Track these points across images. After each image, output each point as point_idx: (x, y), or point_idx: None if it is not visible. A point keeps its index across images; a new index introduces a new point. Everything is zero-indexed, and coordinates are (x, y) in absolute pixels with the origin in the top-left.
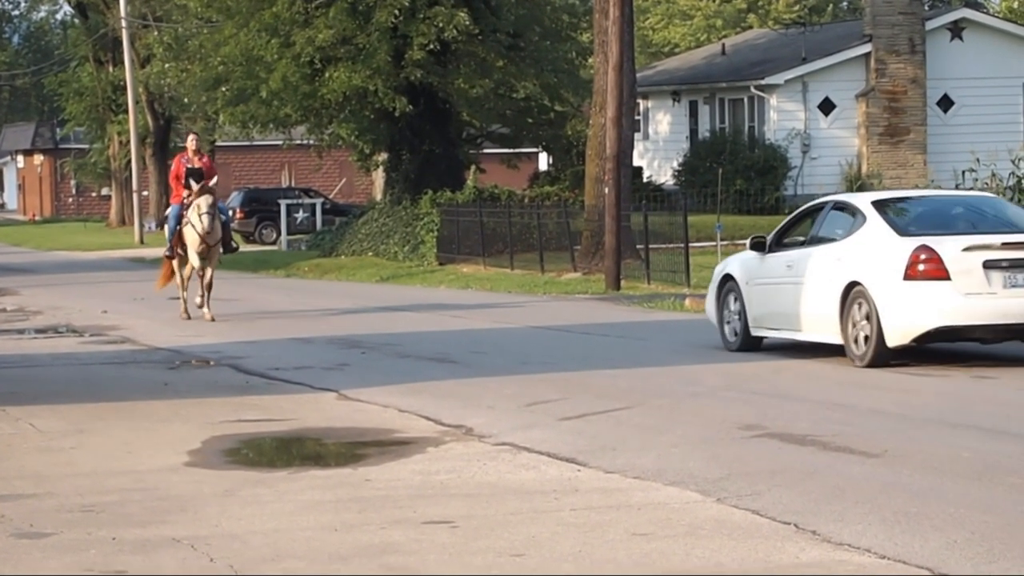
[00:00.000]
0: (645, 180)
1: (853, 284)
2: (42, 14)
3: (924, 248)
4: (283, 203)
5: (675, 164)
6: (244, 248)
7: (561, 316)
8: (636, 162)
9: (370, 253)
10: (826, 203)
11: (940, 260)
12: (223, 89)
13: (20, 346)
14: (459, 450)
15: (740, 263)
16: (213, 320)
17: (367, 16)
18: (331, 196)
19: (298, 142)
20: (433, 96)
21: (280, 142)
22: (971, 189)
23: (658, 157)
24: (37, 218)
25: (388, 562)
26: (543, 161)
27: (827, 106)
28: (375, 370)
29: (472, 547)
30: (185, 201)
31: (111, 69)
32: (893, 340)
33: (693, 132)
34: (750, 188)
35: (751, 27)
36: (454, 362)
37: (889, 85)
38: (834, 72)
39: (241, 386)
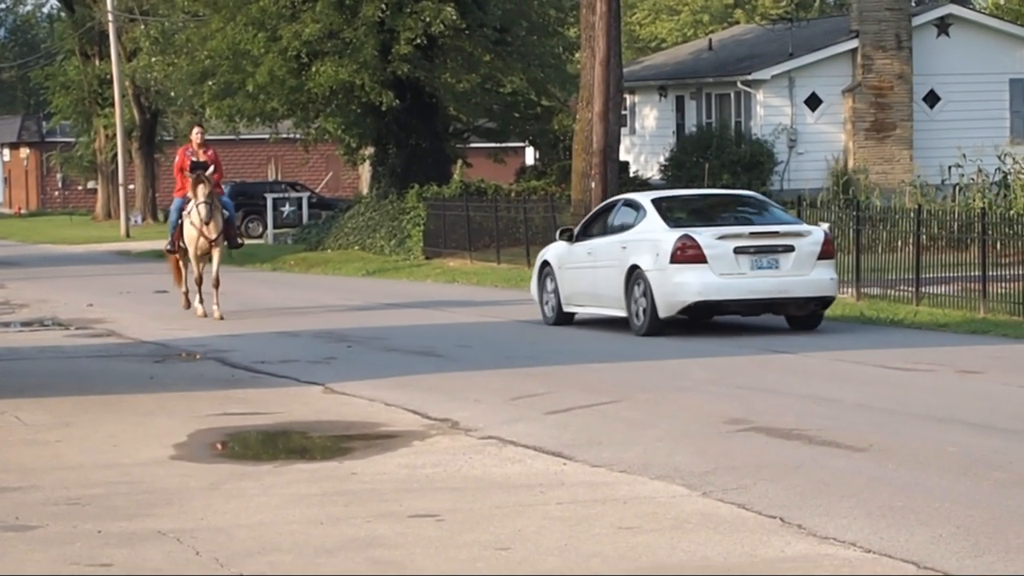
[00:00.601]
0: (632, 175)
1: (634, 267)
2: (28, 7)
3: (687, 237)
4: (269, 197)
5: (662, 159)
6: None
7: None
8: (623, 157)
9: (356, 247)
10: (618, 200)
11: (699, 247)
12: (210, 83)
13: (6, 339)
14: (445, 444)
15: (554, 251)
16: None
17: (354, 10)
18: (317, 190)
19: (284, 136)
20: (420, 90)
21: (266, 136)
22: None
23: (645, 152)
24: (23, 211)
25: (374, 555)
26: (530, 156)
27: (814, 101)
28: (361, 364)
29: (458, 540)
30: (189, 195)
31: (97, 63)
32: (663, 312)
33: (680, 127)
34: (736, 183)
35: (738, 22)
36: (440, 356)
37: (876, 81)
38: (821, 68)
39: (227, 379)
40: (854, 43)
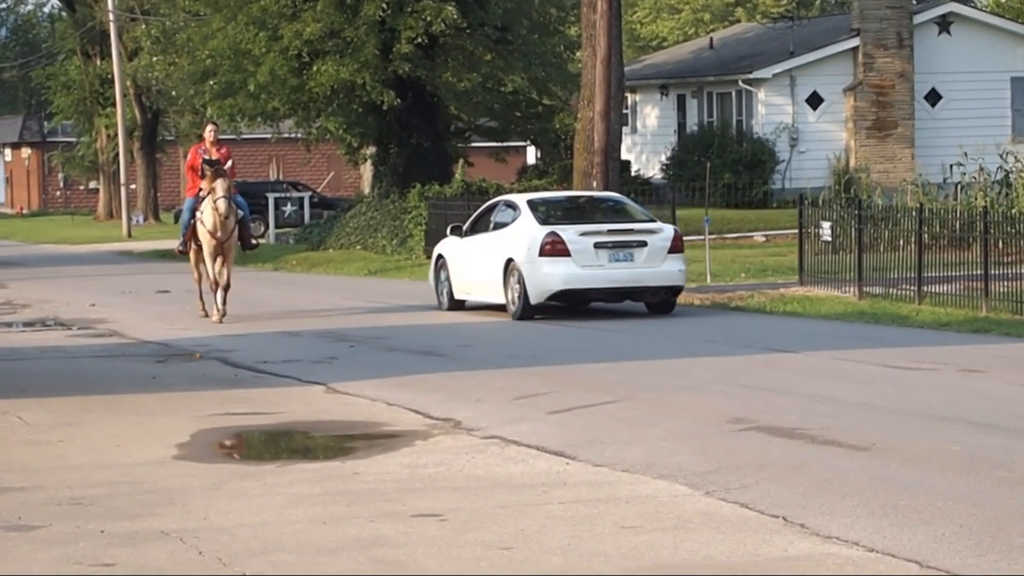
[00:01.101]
0: (633, 174)
1: (510, 260)
2: (29, 7)
3: (553, 234)
4: (271, 196)
5: (663, 158)
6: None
7: (549, 311)
8: (624, 156)
9: (358, 247)
10: (500, 201)
11: (564, 242)
12: (211, 82)
13: (8, 339)
14: (448, 443)
15: (447, 245)
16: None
17: (355, 9)
18: (319, 190)
19: (286, 136)
20: (421, 90)
21: (268, 136)
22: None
23: (646, 151)
24: (25, 211)
25: (377, 555)
26: (531, 155)
27: (815, 100)
28: (363, 363)
29: (461, 540)
30: (201, 195)
31: (99, 62)
32: (534, 299)
33: (681, 126)
34: (738, 182)
35: (739, 21)
36: (442, 355)
37: (877, 79)
38: (822, 66)
39: (229, 379)
40: (855, 41)
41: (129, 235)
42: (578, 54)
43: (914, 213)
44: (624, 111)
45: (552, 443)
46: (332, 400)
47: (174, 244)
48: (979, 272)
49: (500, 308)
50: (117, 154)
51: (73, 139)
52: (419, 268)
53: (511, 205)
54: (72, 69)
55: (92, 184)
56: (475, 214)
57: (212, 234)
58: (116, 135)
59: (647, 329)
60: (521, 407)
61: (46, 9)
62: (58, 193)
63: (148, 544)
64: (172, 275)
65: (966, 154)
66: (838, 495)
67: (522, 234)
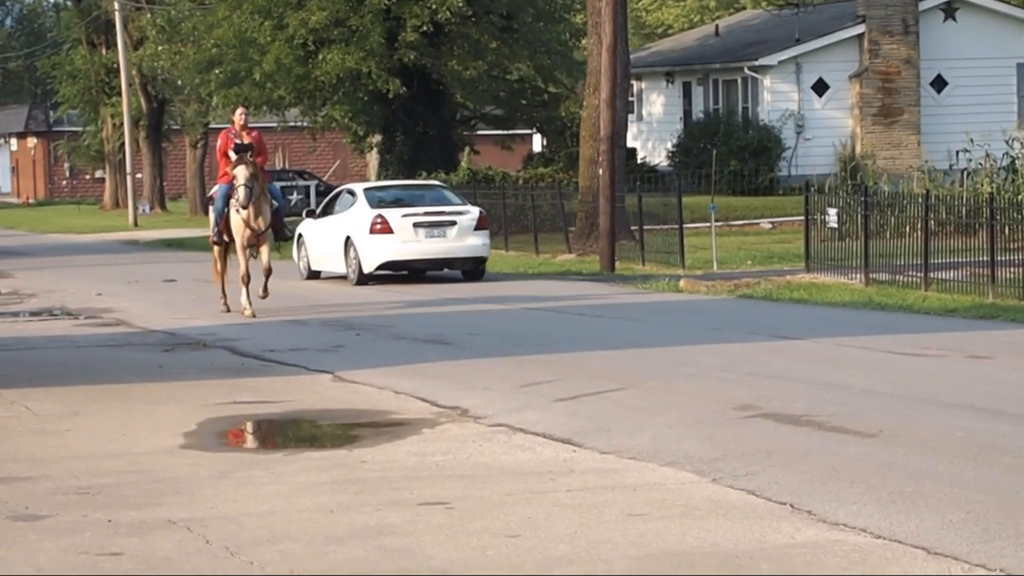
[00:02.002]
0: (639, 161)
1: (348, 237)
2: None
3: (380, 216)
4: (277, 185)
5: (669, 145)
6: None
7: (555, 297)
8: (630, 143)
9: None
10: (343, 189)
11: (388, 222)
12: (216, 71)
13: (15, 329)
14: (454, 431)
15: (306, 226)
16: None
17: None
18: (325, 178)
19: (292, 124)
20: (427, 78)
21: (274, 124)
22: (963, 169)
23: (652, 138)
24: (31, 201)
25: (384, 543)
26: (537, 143)
27: (821, 87)
28: (370, 352)
29: (468, 528)
30: (234, 182)
31: (104, 52)
32: (366, 269)
33: (687, 113)
34: (744, 169)
35: (744, 8)
36: (449, 344)
37: (883, 66)
38: (828, 53)
39: (236, 368)
40: (861, 28)
41: (135, 224)
42: (583, 42)
43: (920, 199)
44: (630, 99)
45: (559, 431)
46: (339, 388)
47: (182, 233)
48: (985, 258)
49: (344, 278)
50: (123, 143)
51: (79, 128)
52: None
53: (351, 192)
54: (78, 58)
55: (98, 173)
56: (325, 200)
57: (247, 223)
58: (122, 124)
59: (653, 316)
60: (528, 395)
61: None
62: (64, 182)
63: (155, 533)
64: (178, 264)
65: (972, 140)
66: (845, 482)
67: (357, 216)
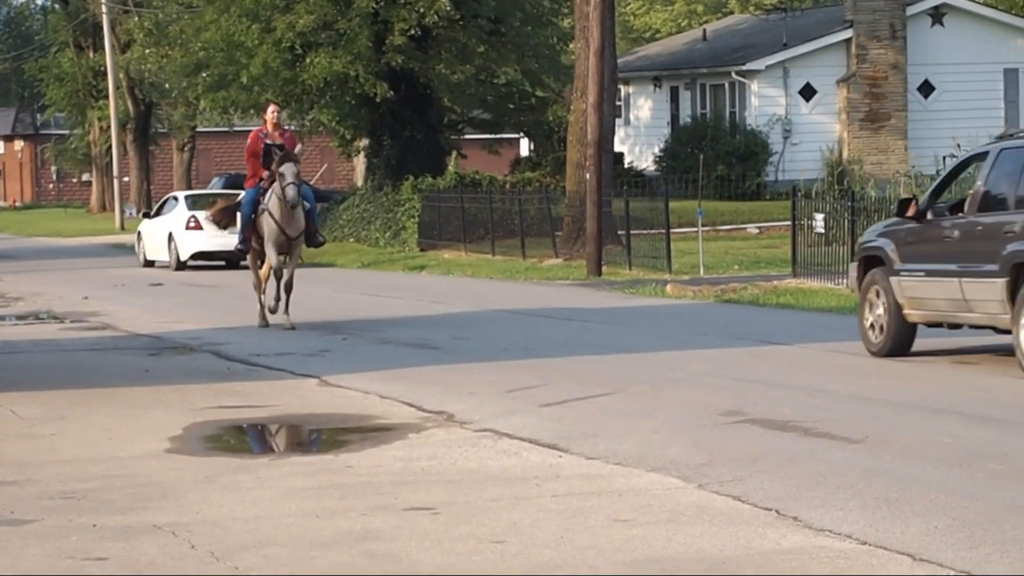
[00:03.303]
0: (626, 166)
1: (171, 233)
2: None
3: (193, 216)
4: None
5: (656, 150)
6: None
7: (542, 302)
8: (617, 148)
9: (351, 239)
10: (170, 196)
11: (199, 221)
12: (204, 75)
13: (0, 332)
14: (440, 436)
15: (144, 224)
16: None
17: (348, 1)
18: (312, 182)
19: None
20: (414, 82)
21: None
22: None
23: (639, 143)
24: (18, 204)
25: (370, 548)
26: (524, 147)
27: (808, 92)
28: (356, 356)
29: (453, 533)
30: (263, 184)
31: (92, 55)
32: (183, 258)
33: (674, 118)
34: (731, 174)
35: (732, 12)
36: (435, 348)
37: (870, 71)
38: (815, 58)
39: (222, 372)
40: (848, 33)
41: (122, 228)
42: (571, 46)
43: None
44: (617, 103)
45: (545, 436)
46: (325, 393)
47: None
48: None
49: (178, 266)
50: (110, 147)
51: (66, 131)
52: (412, 260)
53: (175, 199)
54: (65, 61)
55: (85, 177)
56: (159, 204)
57: (282, 229)
58: (109, 127)
59: (639, 321)
60: (514, 400)
61: (39, 1)
62: (51, 186)
63: (140, 538)
64: (165, 268)
65: (959, 145)
66: (831, 488)
67: (177, 217)
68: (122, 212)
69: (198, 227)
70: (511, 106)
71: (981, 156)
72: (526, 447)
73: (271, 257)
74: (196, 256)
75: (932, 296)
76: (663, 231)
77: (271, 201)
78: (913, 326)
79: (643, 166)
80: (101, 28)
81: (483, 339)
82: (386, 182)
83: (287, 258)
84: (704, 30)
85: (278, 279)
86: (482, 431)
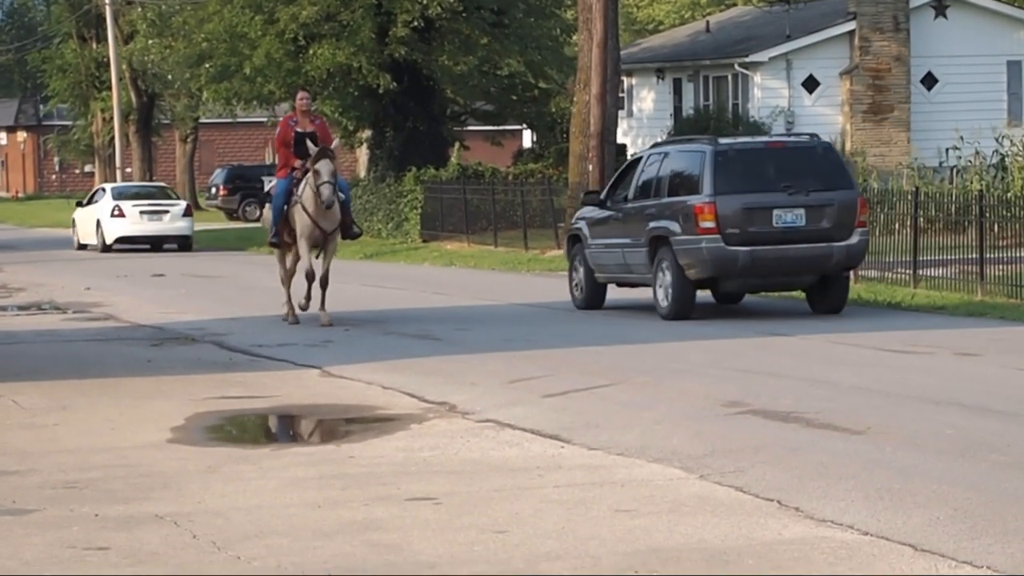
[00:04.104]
0: (629, 157)
1: (99, 220)
2: None
3: (117, 206)
4: (267, 180)
5: (659, 141)
6: (227, 225)
7: (544, 293)
8: (620, 139)
9: None
10: (99, 188)
11: (122, 210)
12: (207, 66)
13: (2, 323)
14: (442, 427)
15: (77, 213)
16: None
17: None
18: None
19: (282, 119)
20: (417, 73)
21: (264, 119)
22: (952, 166)
23: (642, 135)
24: (20, 195)
25: (372, 538)
26: (527, 138)
27: (811, 84)
28: (358, 347)
29: (455, 524)
30: (295, 175)
31: (94, 46)
32: (108, 241)
33: (677, 110)
34: None
35: (735, 4)
36: (437, 339)
37: (873, 63)
38: (818, 50)
39: (224, 363)
40: (852, 25)
41: None
42: (574, 37)
43: (910, 197)
44: (620, 94)
45: (547, 427)
46: (327, 384)
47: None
48: (974, 256)
49: (104, 248)
50: (113, 138)
51: (69, 123)
52: (415, 252)
53: (103, 190)
54: (68, 52)
55: (88, 168)
56: (91, 192)
57: (315, 223)
58: (112, 119)
59: (641, 312)
60: (516, 390)
61: None
62: (54, 177)
63: (142, 528)
64: (167, 259)
65: (962, 138)
66: (833, 478)
67: (104, 205)
68: None
69: (121, 215)
70: (514, 97)
71: (638, 159)
72: (528, 438)
73: (304, 255)
74: (120, 240)
75: (608, 263)
76: None
77: (304, 193)
78: (603, 285)
79: None
80: (104, 19)
81: (485, 330)
82: (389, 173)
83: (322, 252)
84: (707, 22)
85: (309, 280)
86: (484, 422)
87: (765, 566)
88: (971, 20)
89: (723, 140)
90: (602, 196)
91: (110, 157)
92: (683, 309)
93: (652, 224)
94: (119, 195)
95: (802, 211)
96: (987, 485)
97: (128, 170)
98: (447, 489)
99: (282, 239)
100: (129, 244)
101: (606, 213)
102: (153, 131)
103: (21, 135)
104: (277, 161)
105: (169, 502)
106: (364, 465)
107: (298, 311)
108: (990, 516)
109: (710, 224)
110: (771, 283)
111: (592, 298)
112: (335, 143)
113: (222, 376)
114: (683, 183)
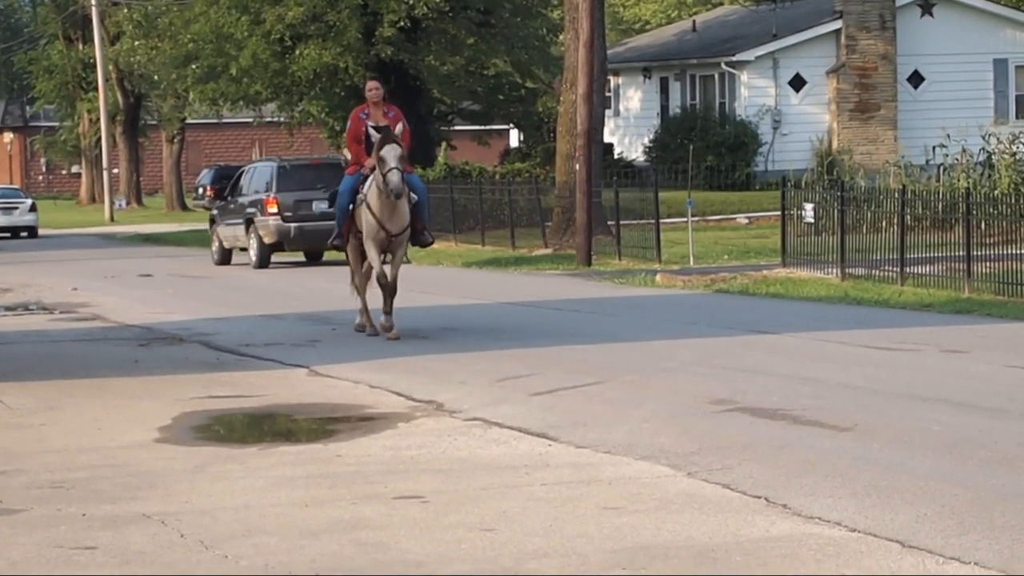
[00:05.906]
0: (616, 157)
1: None
2: None
3: None
4: None
5: (646, 141)
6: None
7: (532, 292)
8: (607, 139)
9: None
10: None
11: None
12: (193, 67)
13: None
14: (430, 425)
15: None
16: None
17: None
18: None
19: (268, 119)
20: (404, 73)
21: (250, 119)
22: (939, 164)
23: (629, 134)
24: None
25: (359, 537)
26: (514, 138)
27: (798, 82)
28: (346, 346)
29: (443, 522)
30: (363, 172)
31: (81, 47)
32: None
33: (664, 109)
34: (721, 164)
35: (722, 3)
36: (425, 338)
37: (860, 61)
38: (805, 48)
39: (212, 362)
40: (838, 24)
41: (111, 219)
42: (561, 37)
43: (896, 195)
44: (607, 94)
45: (534, 425)
46: (315, 383)
47: (159, 228)
48: (961, 253)
49: None
50: (99, 138)
51: (55, 124)
52: None
53: None
54: (54, 54)
55: (74, 168)
56: None
57: (381, 225)
58: (98, 119)
59: (629, 311)
60: (504, 389)
61: None
62: (40, 177)
63: (130, 527)
64: (154, 259)
65: (948, 136)
66: (820, 475)
67: None
68: (112, 204)
69: None
70: (501, 97)
71: (248, 170)
72: (516, 436)
73: (373, 259)
74: None
75: (229, 236)
76: (653, 221)
77: (370, 191)
78: (230, 250)
79: (633, 157)
80: (90, 20)
81: (473, 329)
82: None
83: (390, 258)
84: (694, 21)
85: (382, 287)
86: (472, 420)
87: (752, 563)
88: (957, 18)
89: (284, 159)
90: (226, 193)
91: (97, 158)
92: (263, 262)
93: (248, 210)
94: None
95: (326, 202)
96: (974, 482)
97: (115, 171)
98: (434, 488)
99: (346, 240)
100: None
101: (227, 204)
102: (140, 132)
103: (8, 136)
104: (349, 158)
105: (156, 502)
106: (351, 464)
107: (362, 320)
108: (977, 512)
109: (274, 210)
110: (312, 247)
111: (224, 259)
112: (399, 127)
113: (209, 376)
114: (260, 185)
